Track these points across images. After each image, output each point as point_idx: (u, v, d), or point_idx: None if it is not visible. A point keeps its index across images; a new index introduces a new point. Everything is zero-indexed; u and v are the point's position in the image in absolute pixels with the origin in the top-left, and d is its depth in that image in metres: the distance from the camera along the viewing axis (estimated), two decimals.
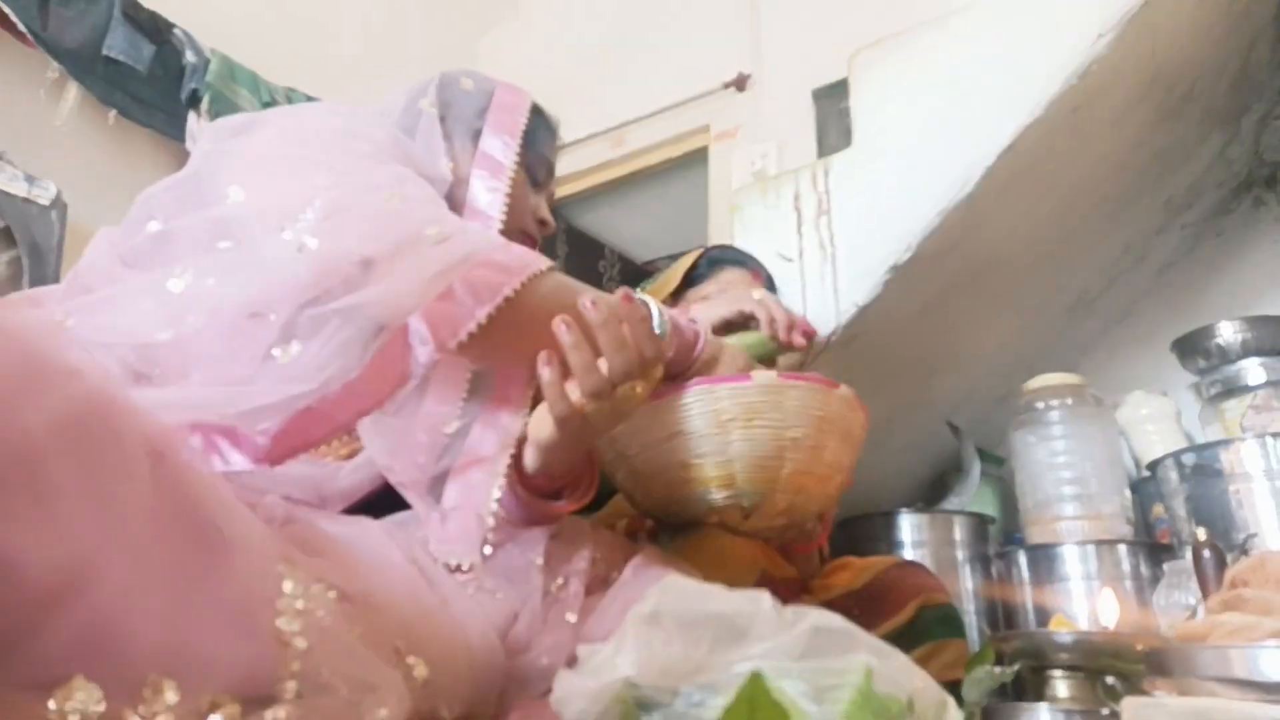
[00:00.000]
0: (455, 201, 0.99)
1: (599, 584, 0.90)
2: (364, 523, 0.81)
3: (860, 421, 1.09)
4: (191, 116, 2.32)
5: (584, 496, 0.97)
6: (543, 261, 0.82)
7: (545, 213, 1.10)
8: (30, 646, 0.43)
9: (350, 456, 0.91)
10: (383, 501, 0.90)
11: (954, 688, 1.07)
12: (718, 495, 1.04)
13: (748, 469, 1.02)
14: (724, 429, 1.01)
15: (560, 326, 0.81)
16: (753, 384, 1.01)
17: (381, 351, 0.71)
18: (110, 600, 0.45)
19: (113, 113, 2.25)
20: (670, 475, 1.05)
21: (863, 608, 1.23)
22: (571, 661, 0.70)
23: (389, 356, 0.76)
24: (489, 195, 0.99)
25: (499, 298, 0.77)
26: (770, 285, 1.61)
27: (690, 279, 1.52)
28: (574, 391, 0.83)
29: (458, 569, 0.82)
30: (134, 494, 0.48)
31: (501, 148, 1.01)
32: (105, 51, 2.18)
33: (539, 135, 1.08)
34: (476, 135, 1.02)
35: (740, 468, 1.02)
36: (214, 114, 2.33)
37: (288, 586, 0.56)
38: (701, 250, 1.58)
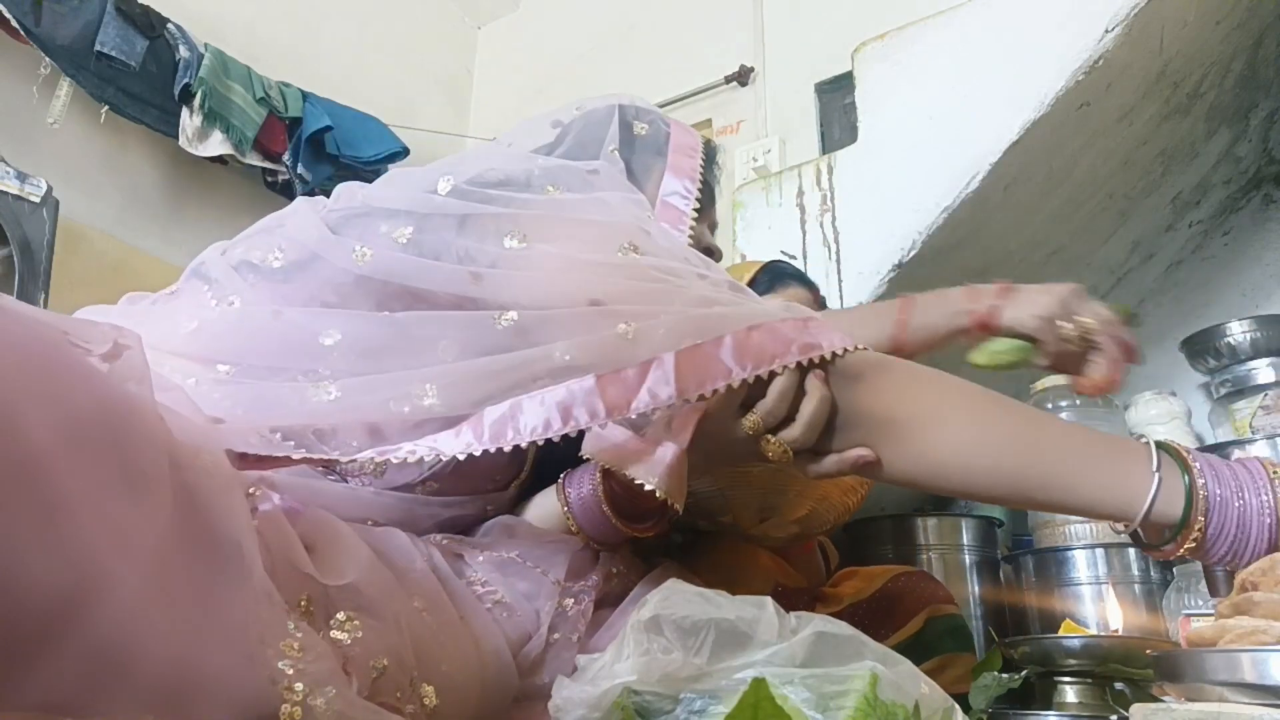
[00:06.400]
0: None
1: (614, 599, 0.89)
2: (390, 530, 0.79)
3: None
4: (184, 112, 2.30)
5: (650, 530, 0.94)
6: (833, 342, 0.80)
7: (710, 239, 1.09)
8: (27, 674, 0.40)
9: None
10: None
11: (961, 702, 1.05)
12: (737, 492, 1.00)
13: (774, 469, 0.96)
14: None
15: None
16: None
17: None
18: (115, 626, 0.43)
19: (104, 109, 2.23)
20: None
21: (871, 617, 1.20)
22: (571, 670, 0.68)
23: None
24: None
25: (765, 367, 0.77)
26: (823, 309, 1.54)
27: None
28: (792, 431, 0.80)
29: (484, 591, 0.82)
30: (151, 506, 0.46)
31: (681, 199, 1.03)
32: (98, 47, 2.16)
33: (708, 173, 1.09)
34: (656, 180, 1.04)
35: (766, 466, 0.98)
36: (206, 109, 2.31)
37: (290, 625, 0.54)
38: (762, 263, 1.48)
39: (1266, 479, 0.69)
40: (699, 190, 1.02)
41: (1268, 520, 0.68)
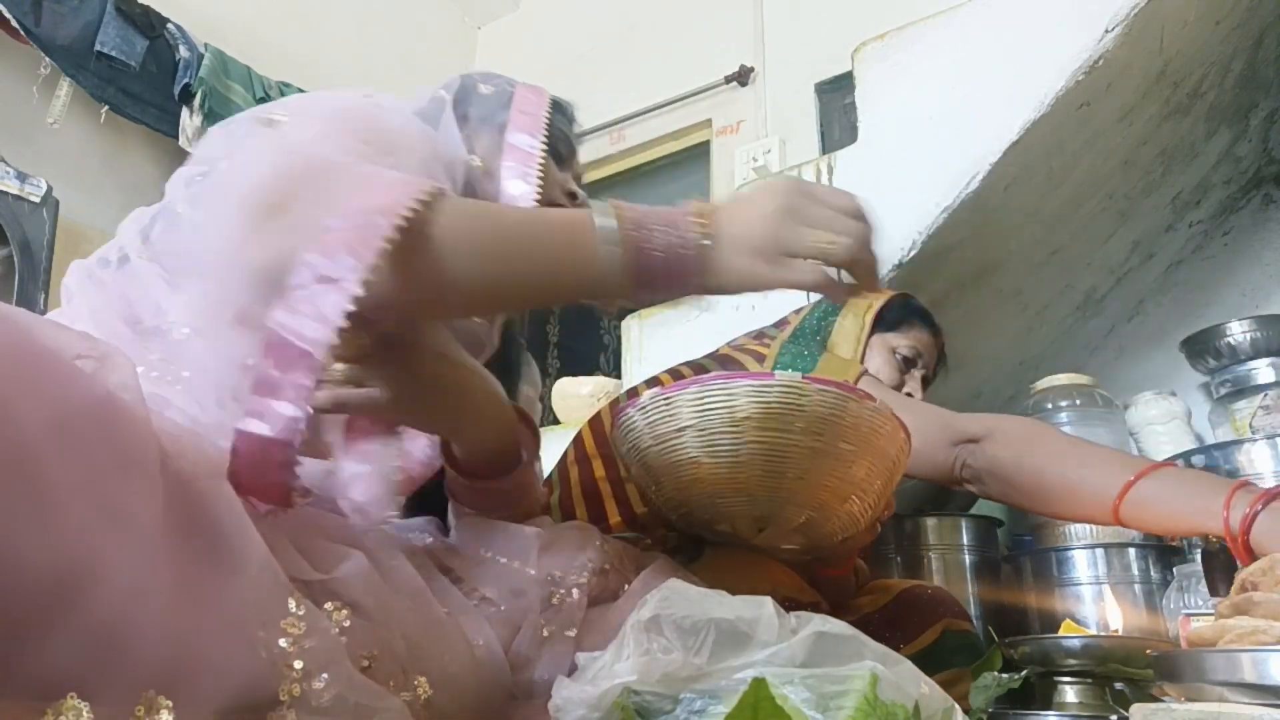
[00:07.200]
0: (485, 193, 1.02)
1: (609, 595, 0.88)
2: (375, 528, 0.80)
3: (900, 443, 0.99)
4: (184, 112, 2.31)
5: (506, 475, 0.92)
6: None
7: (573, 185, 1.12)
8: (28, 655, 0.41)
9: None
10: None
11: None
12: (726, 500, 0.98)
13: (761, 475, 0.93)
14: (738, 428, 0.92)
15: None
16: (775, 381, 0.92)
17: None
18: (113, 606, 0.44)
19: (104, 109, 2.24)
20: (680, 473, 0.97)
21: (884, 627, 1.18)
22: (571, 670, 0.68)
23: None
24: (522, 183, 1.02)
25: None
26: (942, 355, 1.48)
27: (879, 319, 1.41)
28: None
29: (459, 580, 0.82)
30: (143, 495, 0.47)
31: (528, 140, 1.05)
32: (98, 47, 2.17)
33: (558, 120, 1.12)
34: (501, 131, 1.06)
35: (752, 473, 0.94)
36: (207, 109, 2.32)
37: (292, 605, 0.55)
38: (893, 292, 1.45)
39: (690, 220, 0.76)
40: (545, 138, 1.06)
41: (689, 253, 0.75)
